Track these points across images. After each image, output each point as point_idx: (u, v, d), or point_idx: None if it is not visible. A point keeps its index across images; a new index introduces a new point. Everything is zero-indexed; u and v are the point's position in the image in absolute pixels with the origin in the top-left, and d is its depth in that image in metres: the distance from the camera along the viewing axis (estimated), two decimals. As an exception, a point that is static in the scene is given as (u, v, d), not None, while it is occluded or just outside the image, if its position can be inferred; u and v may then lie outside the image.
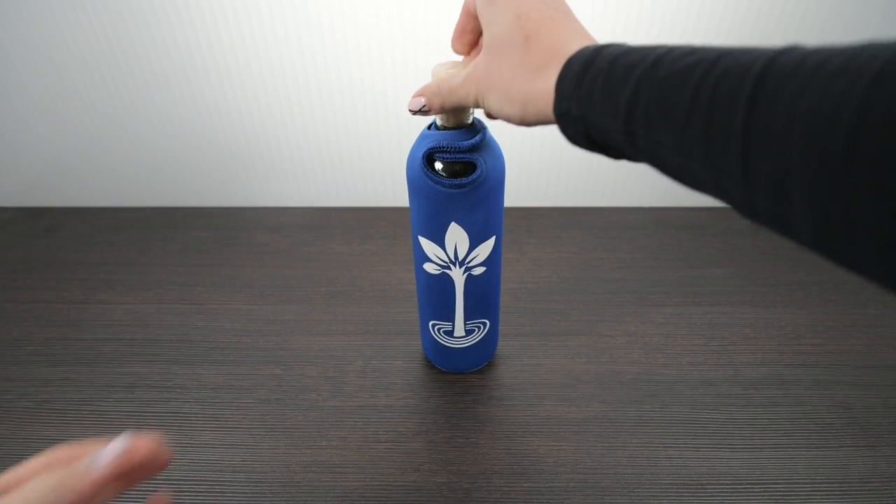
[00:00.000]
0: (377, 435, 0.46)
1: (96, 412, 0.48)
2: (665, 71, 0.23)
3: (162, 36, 0.59)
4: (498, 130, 0.66)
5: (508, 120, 0.31)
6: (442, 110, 0.35)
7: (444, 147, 0.37)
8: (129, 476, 0.24)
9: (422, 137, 0.39)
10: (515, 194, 0.71)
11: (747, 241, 0.65)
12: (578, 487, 0.42)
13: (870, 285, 0.59)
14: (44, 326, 0.56)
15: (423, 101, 0.35)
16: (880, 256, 0.18)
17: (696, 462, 0.43)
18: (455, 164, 0.38)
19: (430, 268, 0.43)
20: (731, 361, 0.51)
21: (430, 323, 0.47)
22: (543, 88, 0.29)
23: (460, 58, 0.37)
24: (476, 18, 0.34)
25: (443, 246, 0.41)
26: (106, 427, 0.46)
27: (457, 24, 0.35)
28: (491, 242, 0.42)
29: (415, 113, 0.36)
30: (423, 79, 0.61)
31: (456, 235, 0.40)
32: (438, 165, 0.38)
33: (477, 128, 0.38)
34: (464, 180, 0.37)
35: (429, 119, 0.40)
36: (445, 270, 0.43)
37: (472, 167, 0.38)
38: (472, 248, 0.41)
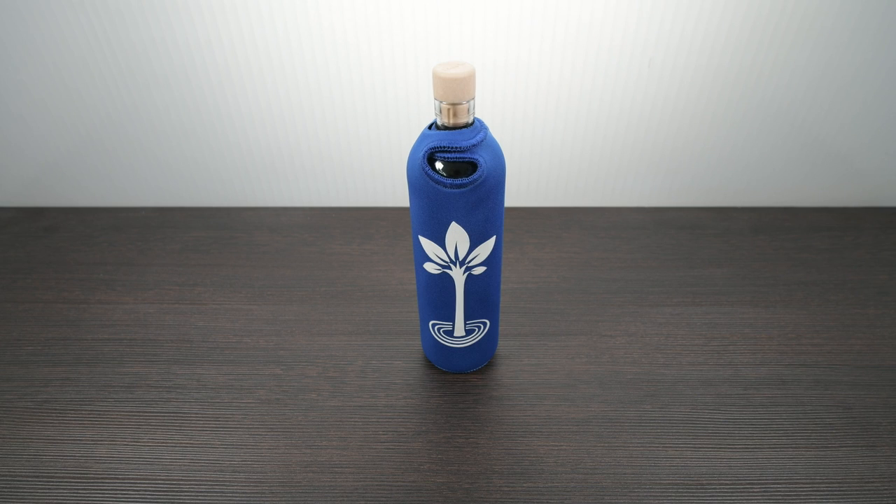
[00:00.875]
0: (377, 435, 0.46)
1: (96, 412, 0.47)
2: None
3: (162, 36, 0.59)
4: (498, 130, 0.66)
5: None
6: None
7: (444, 147, 0.37)
8: None
9: (422, 137, 0.39)
10: (515, 194, 0.71)
11: (747, 241, 0.65)
12: (578, 487, 0.42)
13: (870, 285, 0.59)
14: (44, 326, 0.56)
15: None
16: None
17: (696, 462, 0.43)
18: (456, 163, 0.38)
19: (430, 268, 0.43)
20: (731, 361, 0.51)
21: (430, 323, 0.47)
22: None
23: (461, 58, 0.37)
24: None
25: (443, 246, 0.41)
26: (106, 427, 0.46)
27: None
28: (491, 242, 0.42)
29: None
30: (424, 79, 0.61)
31: (456, 235, 0.40)
32: (439, 165, 0.38)
33: (477, 128, 0.38)
34: (464, 180, 0.37)
35: (429, 119, 0.40)
36: (446, 270, 0.43)
37: (472, 167, 0.38)
38: (472, 247, 0.41)
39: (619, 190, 0.70)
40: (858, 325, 0.54)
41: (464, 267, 0.42)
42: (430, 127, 0.39)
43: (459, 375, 0.50)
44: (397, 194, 0.71)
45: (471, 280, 0.43)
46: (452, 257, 0.42)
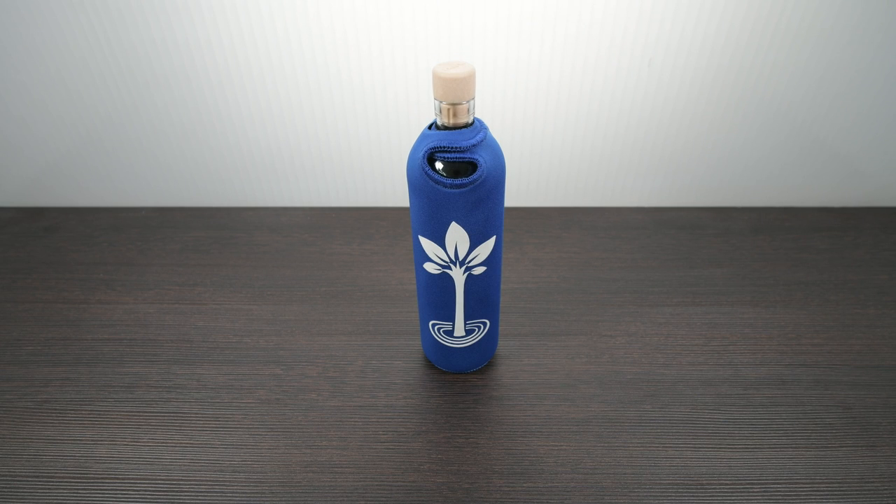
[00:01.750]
0: (377, 435, 0.46)
1: (96, 412, 0.47)
2: None
3: (162, 36, 0.59)
4: (498, 130, 0.66)
5: None
6: None
7: (444, 147, 0.37)
8: None
9: (422, 137, 0.39)
10: (515, 194, 0.71)
11: (747, 241, 0.65)
12: (578, 487, 0.42)
13: (870, 285, 0.59)
14: (44, 326, 0.56)
15: None
16: None
17: (696, 462, 0.43)
18: (455, 163, 0.38)
19: (430, 267, 0.43)
20: (731, 361, 0.51)
21: (430, 323, 0.47)
22: None
23: (461, 58, 0.37)
24: None
25: (443, 246, 0.41)
26: (106, 427, 0.46)
27: None
28: (491, 242, 0.42)
29: None
30: (424, 79, 0.61)
31: (456, 235, 0.40)
32: (439, 165, 0.38)
33: (477, 128, 0.38)
34: (464, 180, 0.37)
35: (429, 119, 0.40)
36: (446, 270, 0.43)
37: (472, 167, 0.38)
38: (472, 247, 0.41)
39: (619, 190, 0.70)
40: (858, 325, 0.54)
41: (464, 267, 0.42)
42: (429, 127, 0.39)
43: (459, 375, 0.50)
44: (397, 194, 0.71)
45: (471, 280, 0.43)
46: (452, 257, 0.42)
